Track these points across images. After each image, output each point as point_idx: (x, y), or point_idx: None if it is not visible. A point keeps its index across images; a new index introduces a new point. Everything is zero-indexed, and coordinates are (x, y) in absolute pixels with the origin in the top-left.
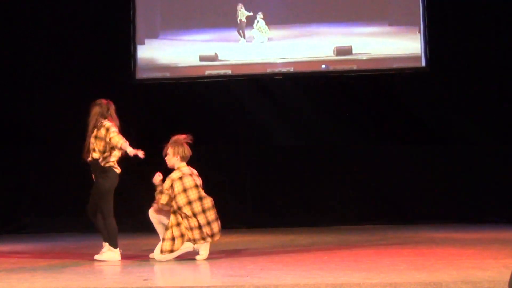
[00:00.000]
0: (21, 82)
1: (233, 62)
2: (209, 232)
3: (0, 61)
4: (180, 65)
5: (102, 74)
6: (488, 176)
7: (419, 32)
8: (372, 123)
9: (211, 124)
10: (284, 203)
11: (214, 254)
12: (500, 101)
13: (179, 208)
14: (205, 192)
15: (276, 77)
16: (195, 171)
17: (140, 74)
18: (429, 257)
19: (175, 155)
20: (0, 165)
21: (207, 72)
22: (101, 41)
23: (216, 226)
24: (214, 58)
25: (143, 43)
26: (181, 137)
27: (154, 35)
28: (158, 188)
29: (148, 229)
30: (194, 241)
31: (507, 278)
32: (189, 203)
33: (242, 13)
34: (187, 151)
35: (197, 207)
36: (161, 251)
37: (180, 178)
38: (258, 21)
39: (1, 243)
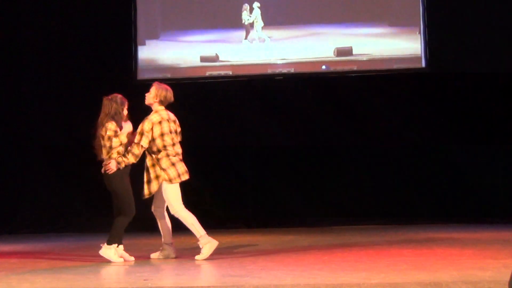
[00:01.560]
0: (22, 82)
1: (234, 63)
2: (182, 170)
3: (0, 62)
4: (181, 66)
5: (103, 75)
6: (488, 176)
7: (419, 33)
8: (371, 123)
9: (211, 125)
10: (284, 203)
11: (214, 254)
12: (500, 102)
13: (154, 152)
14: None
15: (277, 77)
16: (172, 116)
17: (141, 75)
18: (429, 257)
19: (157, 97)
20: (0, 165)
21: (208, 73)
22: (102, 42)
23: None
24: (215, 59)
25: (144, 44)
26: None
27: (155, 36)
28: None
29: (148, 229)
30: (170, 180)
31: (507, 278)
32: (164, 147)
33: (248, 15)
34: (169, 97)
35: (170, 150)
36: (143, 196)
37: (160, 122)
38: (254, 9)
39: (1, 243)
